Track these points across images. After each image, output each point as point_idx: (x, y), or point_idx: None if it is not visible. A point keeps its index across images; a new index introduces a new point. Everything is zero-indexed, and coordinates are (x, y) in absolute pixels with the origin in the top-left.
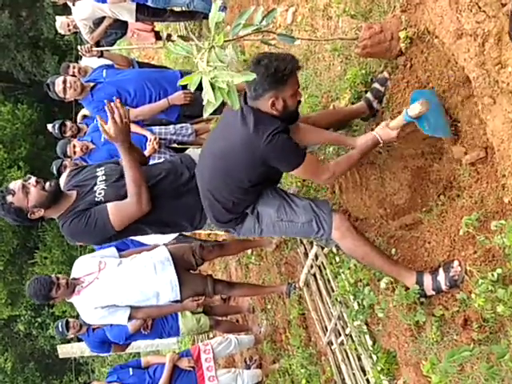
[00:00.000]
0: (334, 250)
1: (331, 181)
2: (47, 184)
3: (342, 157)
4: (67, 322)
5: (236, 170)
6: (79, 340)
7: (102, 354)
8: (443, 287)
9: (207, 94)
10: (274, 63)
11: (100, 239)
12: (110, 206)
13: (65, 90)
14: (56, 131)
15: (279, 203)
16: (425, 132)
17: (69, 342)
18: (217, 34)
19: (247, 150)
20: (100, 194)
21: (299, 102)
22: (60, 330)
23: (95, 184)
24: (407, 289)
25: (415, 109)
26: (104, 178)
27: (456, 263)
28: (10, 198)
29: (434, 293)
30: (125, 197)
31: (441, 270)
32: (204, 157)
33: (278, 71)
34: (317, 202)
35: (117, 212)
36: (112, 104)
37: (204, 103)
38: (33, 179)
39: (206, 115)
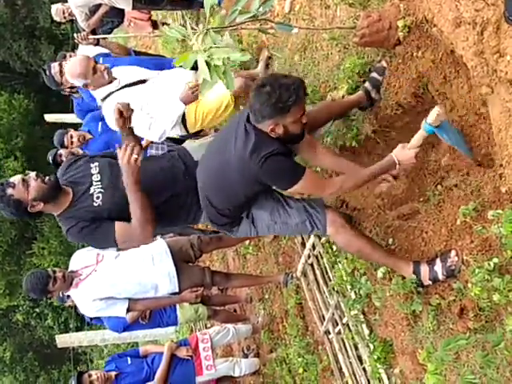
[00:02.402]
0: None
1: (335, 195)
2: (47, 178)
3: (350, 173)
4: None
5: (231, 185)
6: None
7: None
8: (440, 277)
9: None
10: (277, 92)
11: (103, 247)
12: (117, 226)
13: (61, 72)
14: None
15: (273, 206)
16: (447, 142)
17: (67, 331)
18: (212, 17)
19: (241, 170)
20: (98, 198)
21: (305, 124)
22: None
23: (91, 184)
24: (404, 278)
25: (433, 113)
26: (99, 177)
27: (453, 253)
28: (10, 191)
29: (430, 282)
30: (121, 204)
31: (438, 260)
32: (203, 164)
33: (279, 101)
34: (310, 202)
35: (123, 234)
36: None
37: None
38: (33, 173)
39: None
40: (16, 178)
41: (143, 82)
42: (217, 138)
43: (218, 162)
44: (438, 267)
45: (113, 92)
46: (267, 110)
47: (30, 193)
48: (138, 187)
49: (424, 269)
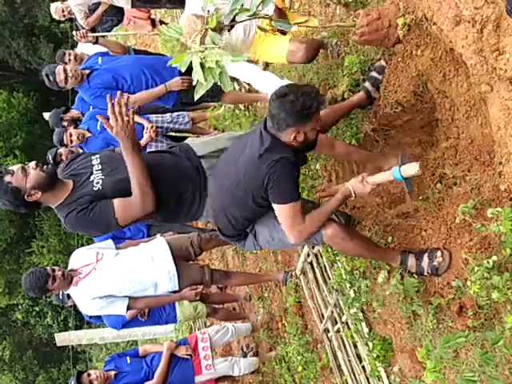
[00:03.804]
0: None
1: (299, 238)
2: (45, 167)
3: (315, 212)
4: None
5: (245, 191)
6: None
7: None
8: (425, 273)
9: (196, 74)
10: (300, 100)
11: (103, 232)
12: (116, 202)
13: (66, 79)
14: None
15: (272, 222)
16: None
17: (66, 329)
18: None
19: (250, 171)
20: (98, 183)
21: (318, 131)
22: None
23: (91, 173)
24: (402, 277)
25: (411, 169)
26: (100, 166)
27: (439, 253)
28: (8, 178)
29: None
30: (122, 189)
31: (425, 257)
32: (218, 175)
33: (303, 109)
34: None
35: (123, 210)
36: (113, 100)
37: (194, 84)
38: (32, 163)
39: (197, 97)
40: (15, 166)
41: None
42: (231, 150)
43: (232, 171)
44: (425, 263)
45: None
46: (293, 118)
47: (28, 181)
48: (137, 152)
49: (412, 261)
